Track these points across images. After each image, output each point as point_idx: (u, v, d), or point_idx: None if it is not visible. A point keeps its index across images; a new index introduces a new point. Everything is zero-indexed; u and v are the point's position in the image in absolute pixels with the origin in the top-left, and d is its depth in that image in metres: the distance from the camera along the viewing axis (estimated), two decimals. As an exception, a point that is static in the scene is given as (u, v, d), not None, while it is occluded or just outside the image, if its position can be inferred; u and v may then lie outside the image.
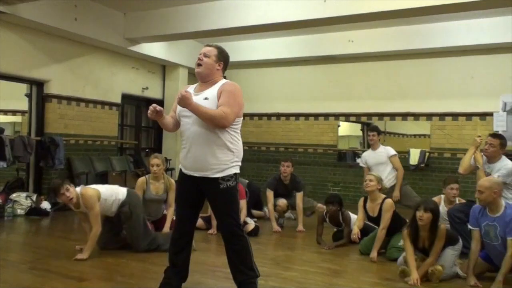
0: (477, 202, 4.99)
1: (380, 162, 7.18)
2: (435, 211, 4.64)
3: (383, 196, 5.94)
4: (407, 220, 5.86)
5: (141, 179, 6.47)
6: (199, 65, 3.81)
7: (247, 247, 3.79)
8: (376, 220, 5.89)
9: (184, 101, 3.51)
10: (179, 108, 3.75)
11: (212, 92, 3.71)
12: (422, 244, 4.59)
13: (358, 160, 7.79)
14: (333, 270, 5.16)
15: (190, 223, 3.99)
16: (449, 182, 6.33)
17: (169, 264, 3.99)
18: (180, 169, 3.89)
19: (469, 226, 4.90)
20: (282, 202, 7.55)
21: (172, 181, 6.50)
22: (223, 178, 3.67)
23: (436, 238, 4.65)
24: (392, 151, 7.27)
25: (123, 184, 8.57)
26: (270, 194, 7.45)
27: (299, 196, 7.40)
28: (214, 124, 3.58)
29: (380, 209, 5.81)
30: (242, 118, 3.81)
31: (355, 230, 5.96)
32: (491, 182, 4.69)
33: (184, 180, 3.87)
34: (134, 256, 5.46)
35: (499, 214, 4.61)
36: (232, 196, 3.75)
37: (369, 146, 7.49)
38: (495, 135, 5.75)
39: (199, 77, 3.84)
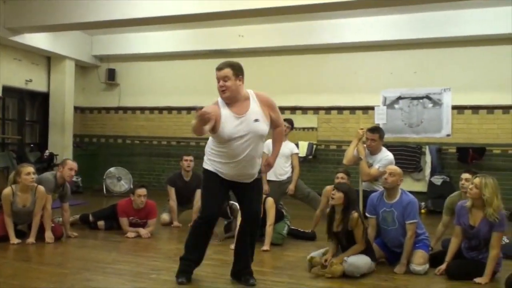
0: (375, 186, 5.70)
1: (283, 154, 7.34)
2: (347, 194, 4.69)
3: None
4: (283, 212, 6.28)
5: (7, 191, 5.74)
6: (223, 91, 4.07)
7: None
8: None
9: None
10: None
11: (255, 109, 4.21)
12: (336, 228, 4.71)
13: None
14: (225, 261, 5.21)
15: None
16: (336, 173, 6.65)
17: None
18: None
19: (367, 214, 5.22)
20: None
21: (41, 189, 5.84)
22: None
23: (349, 225, 4.61)
24: (296, 150, 7.61)
25: (4, 181, 8.08)
26: (171, 190, 7.36)
27: (198, 193, 7.04)
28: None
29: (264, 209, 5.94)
30: None
31: None
32: (401, 170, 5.11)
33: None
34: (17, 256, 5.29)
35: (395, 200, 5.00)
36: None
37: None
38: (373, 130, 6.11)
39: (229, 100, 4.17)
